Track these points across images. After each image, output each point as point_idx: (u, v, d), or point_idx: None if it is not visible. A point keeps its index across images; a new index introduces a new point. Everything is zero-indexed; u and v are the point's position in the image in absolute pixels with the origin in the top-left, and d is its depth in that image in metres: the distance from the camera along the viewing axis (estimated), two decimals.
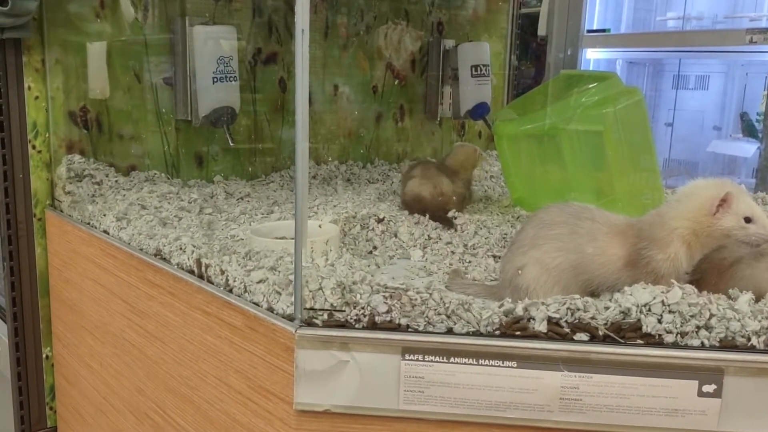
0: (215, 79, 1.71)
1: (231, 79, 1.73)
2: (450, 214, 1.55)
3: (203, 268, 1.16)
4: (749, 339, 0.90)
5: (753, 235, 0.96)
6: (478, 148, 1.75)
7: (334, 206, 1.60)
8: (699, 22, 3.18)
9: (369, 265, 1.27)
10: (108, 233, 1.46)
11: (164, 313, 1.25)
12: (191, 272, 1.19)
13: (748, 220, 0.97)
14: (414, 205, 1.56)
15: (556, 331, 0.93)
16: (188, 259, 1.20)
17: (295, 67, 0.91)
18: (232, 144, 1.78)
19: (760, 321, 0.91)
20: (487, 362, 0.91)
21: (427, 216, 1.53)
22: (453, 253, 1.38)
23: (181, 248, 1.24)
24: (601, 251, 1.04)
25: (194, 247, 1.22)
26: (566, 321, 0.93)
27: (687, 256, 1.00)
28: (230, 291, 1.09)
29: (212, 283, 1.14)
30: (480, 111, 2.24)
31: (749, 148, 2.89)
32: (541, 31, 3.26)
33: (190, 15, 1.76)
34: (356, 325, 0.95)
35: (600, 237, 1.05)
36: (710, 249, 1.03)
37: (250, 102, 1.90)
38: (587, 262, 1.04)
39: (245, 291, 1.07)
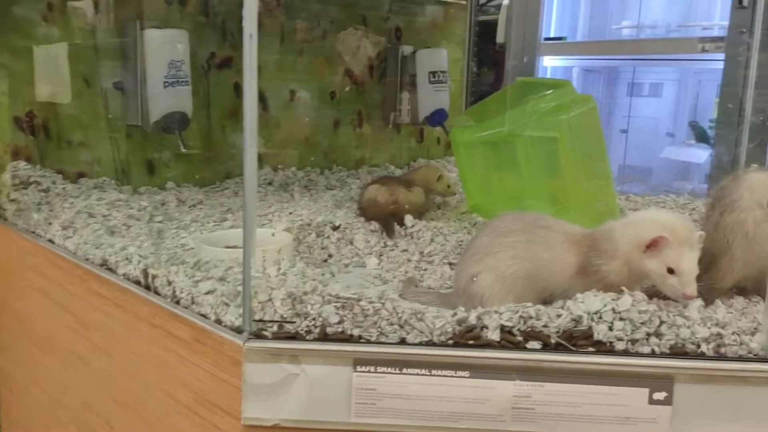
0: (167, 84, 1.67)
1: (183, 83, 1.69)
2: (408, 221, 1.54)
3: (150, 279, 1.13)
4: (699, 346, 0.90)
5: (670, 286, 0.95)
6: (443, 173, 1.75)
7: (290, 213, 1.58)
8: (653, 30, 3.23)
9: (323, 274, 1.25)
10: (53, 242, 1.41)
11: (110, 325, 1.21)
12: (138, 283, 1.16)
13: (671, 270, 0.95)
14: (369, 210, 1.55)
15: (509, 340, 0.92)
16: (135, 269, 1.17)
17: (244, 71, 0.89)
18: (184, 150, 1.74)
19: (709, 328, 0.91)
20: (439, 372, 0.90)
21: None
22: (409, 260, 1.37)
23: (127, 258, 1.20)
24: (557, 259, 1.04)
25: (141, 257, 1.18)
26: (519, 329, 0.92)
27: (628, 275, 1.00)
28: (177, 302, 1.06)
29: (159, 295, 1.10)
30: (438, 117, 2.24)
31: (702, 154, 2.94)
32: (500, 38, 3.29)
33: (141, 18, 1.72)
34: (307, 337, 0.93)
35: (556, 245, 1.05)
36: (641, 281, 1.01)
37: (203, 107, 1.86)
38: (543, 270, 1.04)
39: (193, 302, 1.04)
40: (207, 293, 1.03)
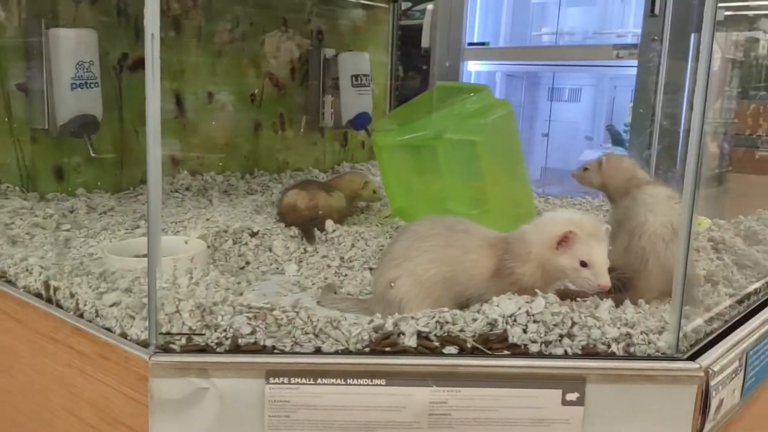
0: (74, 86, 1.59)
1: (92, 85, 1.61)
2: (329, 226, 1.52)
3: (51, 291, 1.06)
4: (609, 346, 0.92)
5: (584, 279, 0.97)
6: (368, 179, 1.75)
7: (207, 220, 1.53)
8: (571, 37, 3.33)
9: (239, 282, 1.21)
10: None
11: (9, 342, 1.13)
12: (39, 296, 1.09)
13: (583, 264, 0.97)
14: (288, 215, 1.52)
15: (426, 346, 0.91)
16: (35, 281, 1.10)
17: (146, 72, 0.85)
18: (93, 154, 1.67)
19: (619, 328, 0.93)
20: (355, 381, 0.88)
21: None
22: (329, 266, 1.35)
23: (27, 269, 1.13)
24: (474, 263, 1.04)
25: (42, 268, 1.11)
26: (436, 335, 0.92)
27: (542, 276, 1.01)
28: (81, 316, 1.01)
29: (61, 308, 1.04)
30: (361, 121, 2.22)
31: None
32: (425, 43, 3.32)
33: (47, 17, 1.63)
34: (218, 349, 0.90)
35: (473, 249, 1.05)
36: (555, 281, 1.03)
37: (115, 110, 1.79)
38: (460, 274, 1.04)
39: (97, 315, 0.98)
40: (112, 305, 0.98)
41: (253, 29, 2.10)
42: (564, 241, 0.98)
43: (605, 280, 0.96)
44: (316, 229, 1.49)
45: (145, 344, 0.90)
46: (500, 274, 1.01)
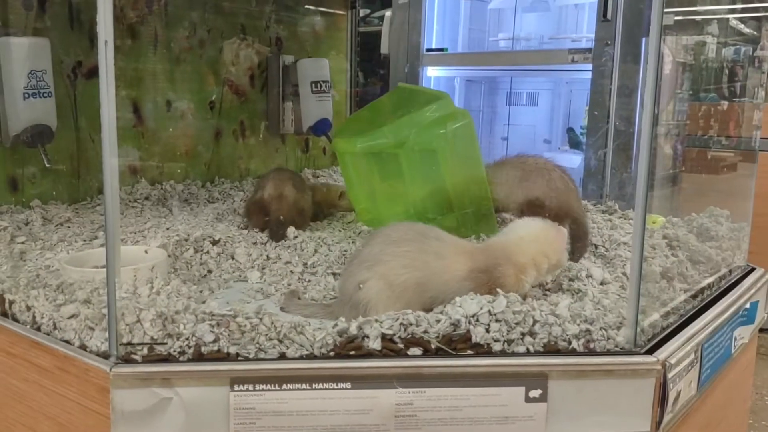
0: (27, 95, 1.55)
1: (45, 95, 1.58)
2: (290, 233, 1.51)
3: (7, 305, 1.04)
4: (570, 342, 0.94)
5: None
6: (344, 191, 1.77)
7: (167, 229, 1.51)
8: (527, 42, 3.38)
9: (201, 291, 1.20)
10: None
11: None
12: None
13: None
14: (272, 205, 1.53)
15: (390, 348, 0.92)
16: None
17: (100, 80, 0.84)
18: (48, 165, 1.63)
19: (578, 324, 0.95)
20: (320, 386, 0.88)
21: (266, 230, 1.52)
22: (292, 272, 1.34)
23: None
24: (447, 269, 1.06)
25: None
26: (400, 336, 0.92)
27: (535, 279, 1.10)
28: (38, 329, 0.98)
29: (18, 321, 1.02)
30: (322, 127, 2.22)
31: (576, 159, 3.10)
32: (384, 49, 3.34)
33: None
34: (181, 358, 0.89)
35: (448, 255, 1.07)
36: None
37: (70, 119, 1.75)
38: (433, 279, 1.05)
39: (55, 328, 0.97)
40: (70, 317, 0.96)
41: (211, 36, 2.08)
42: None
43: None
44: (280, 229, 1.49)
45: (105, 355, 0.89)
46: (482, 280, 1.03)
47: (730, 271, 1.39)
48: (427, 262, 1.05)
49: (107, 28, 0.81)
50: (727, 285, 1.32)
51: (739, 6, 2.39)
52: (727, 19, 2.47)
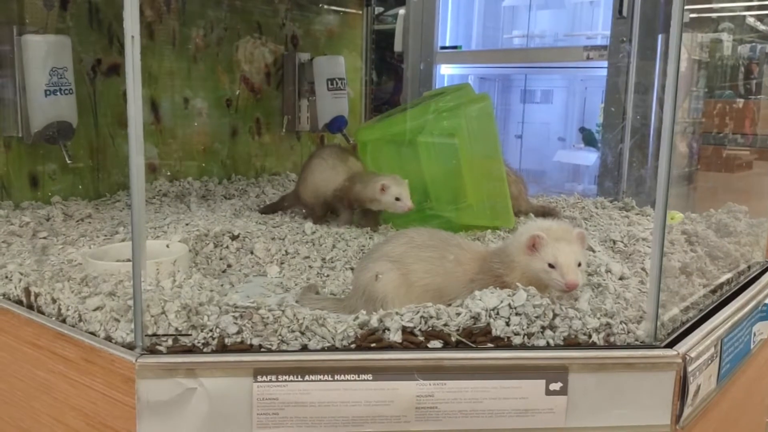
0: (48, 92, 1.57)
1: (66, 92, 1.60)
2: (308, 227, 1.52)
3: (32, 298, 1.05)
4: (590, 336, 0.94)
5: (554, 280, 1.00)
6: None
7: (186, 224, 1.52)
8: (542, 39, 3.37)
9: (222, 285, 1.21)
10: None
11: None
12: (19, 302, 1.08)
13: (551, 265, 1.01)
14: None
15: (410, 340, 0.93)
16: (15, 288, 1.09)
17: (127, 76, 0.85)
18: (69, 161, 1.65)
19: (599, 318, 0.95)
20: (342, 377, 0.89)
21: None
22: (311, 267, 1.36)
23: (7, 277, 1.12)
24: (465, 273, 1.08)
25: (22, 274, 1.10)
26: (420, 329, 0.93)
27: (528, 283, 1.04)
28: (63, 321, 1.00)
29: (43, 314, 1.03)
30: (337, 124, 2.23)
31: (591, 157, 3.10)
32: (397, 47, 3.34)
33: (19, 23, 1.62)
34: (205, 349, 0.90)
35: (465, 261, 1.09)
36: (540, 284, 1.05)
37: (90, 116, 1.77)
38: (452, 283, 1.07)
39: (80, 320, 0.98)
40: (95, 309, 0.97)
41: (228, 34, 2.10)
42: (533, 245, 1.02)
43: (571, 278, 0.99)
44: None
45: (131, 347, 0.90)
46: (485, 280, 1.04)
47: (749, 267, 1.38)
48: (447, 269, 1.08)
49: (134, 23, 0.83)
50: (746, 281, 1.32)
51: (755, 3, 2.38)
52: (744, 16, 2.45)
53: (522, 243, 1.04)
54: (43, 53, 1.58)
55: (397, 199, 1.49)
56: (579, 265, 1.01)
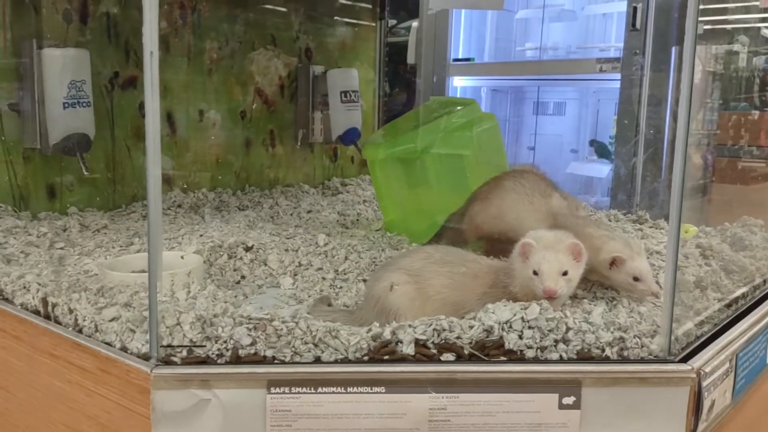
0: (66, 105, 1.60)
1: (84, 104, 1.63)
2: (321, 239, 1.53)
3: (50, 308, 1.07)
4: (603, 350, 0.94)
5: (536, 287, 1.02)
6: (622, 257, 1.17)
7: (201, 236, 1.54)
8: (554, 52, 3.39)
9: (236, 296, 1.22)
10: None
11: (8, 359, 1.13)
12: (37, 313, 1.09)
13: (536, 272, 1.02)
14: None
15: (423, 353, 0.93)
16: (33, 298, 1.11)
17: (145, 90, 0.86)
18: (86, 173, 1.67)
19: (612, 332, 0.95)
20: (355, 389, 0.89)
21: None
22: (324, 279, 1.36)
23: (25, 287, 1.14)
24: (481, 285, 1.08)
25: (40, 285, 1.12)
26: (433, 342, 0.93)
27: (523, 292, 1.06)
28: (80, 331, 1.01)
29: (60, 324, 1.05)
30: (351, 136, 2.25)
31: (603, 169, 3.09)
32: (410, 59, 3.36)
33: (38, 37, 1.64)
34: (219, 360, 0.91)
35: (481, 275, 1.10)
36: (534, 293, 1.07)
37: (107, 128, 1.80)
38: (468, 296, 1.08)
39: (96, 330, 0.99)
40: (111, 320, 0.98)
41: (242, 47, 2.12)
42: (523, 252, 1.04)
43: (548, 285, 1.00)
44: None
45: (146, 357, 0.91)
46: (496, 292, 1.05)
47: (765, 281, 1.37)
48: (464, 282, 1.08)
49: (153, 39, 0.84)
50: (761, 295, 1.31)
51: None
52: (758, 28, 2.45)
53: (516, 251, 1.06)
54: (62, 66, 1.60)
55: (636, 279, 1.09)
56: (565, 274, 1.02)
